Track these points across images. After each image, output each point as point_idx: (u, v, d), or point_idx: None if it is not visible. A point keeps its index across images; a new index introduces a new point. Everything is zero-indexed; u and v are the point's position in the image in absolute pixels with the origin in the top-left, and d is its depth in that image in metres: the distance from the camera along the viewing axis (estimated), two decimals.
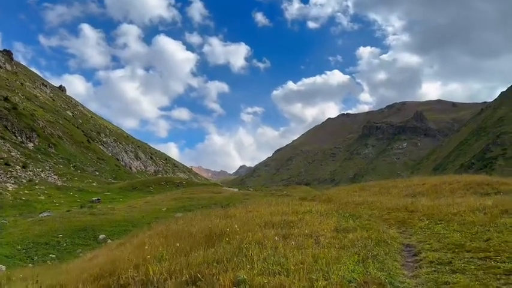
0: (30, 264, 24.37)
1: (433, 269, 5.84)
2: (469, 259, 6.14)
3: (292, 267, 5.61)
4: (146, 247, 7.23)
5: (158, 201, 45.24)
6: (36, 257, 25.73)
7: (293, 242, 7.10)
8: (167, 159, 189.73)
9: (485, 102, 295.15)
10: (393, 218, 10.70)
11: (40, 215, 36.52)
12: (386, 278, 5.39)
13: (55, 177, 72.26)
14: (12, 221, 34.60)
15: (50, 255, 25.93)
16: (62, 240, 28.41)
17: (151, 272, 5.70)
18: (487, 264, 5.81)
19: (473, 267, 5.72)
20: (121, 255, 7.57)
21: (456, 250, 6.65)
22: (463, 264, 5.90)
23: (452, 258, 6.24)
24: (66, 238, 28.81)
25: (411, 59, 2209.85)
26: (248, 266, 5.76)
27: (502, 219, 8.43)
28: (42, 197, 53.53)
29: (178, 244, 6.94)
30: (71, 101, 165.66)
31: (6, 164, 64.58)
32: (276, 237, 7.52)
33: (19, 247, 26.88)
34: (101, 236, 29.40)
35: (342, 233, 8.18)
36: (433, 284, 5.18)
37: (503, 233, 7.33)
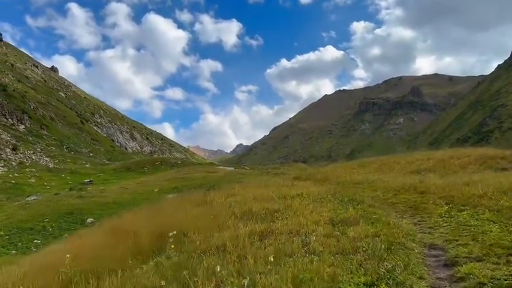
0: (13, 251, 23.26)
1: None
2: None
3: None
4: (67, 258, 5.00)
5: (151, 182, 43.98)
6: (20, 244, 24.49)
7: (270, 247, 5.08)
8: (163, 139, 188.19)
9: (482, 75, 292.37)
10: (402, 201, 8.75)
11: (27, 199, 35.21)
12: None
13: (47, 159, 70.76)
14: None
15: (35, 241, 24.72)
16: (47, 225, 27.14)
17: None
18: None
19: None
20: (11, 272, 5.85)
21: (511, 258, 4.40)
22: None
23: None
24: (52, 223, 27.54)
25: (405, 33, 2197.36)
26: None
27: None
28: (33, 180, 52.18)
29: (107, 253, 5.10)
30: (64, 82, 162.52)
31: None
32: (249, 238, 5.53)
33: (2, 233, 25.60)
34: (89, 220, 28.13)
35: (339, 226, 6.17)
36: None
37: None
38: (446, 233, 6.00)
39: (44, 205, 31.02)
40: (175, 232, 5.02)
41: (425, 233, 6.25)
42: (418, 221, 7.13)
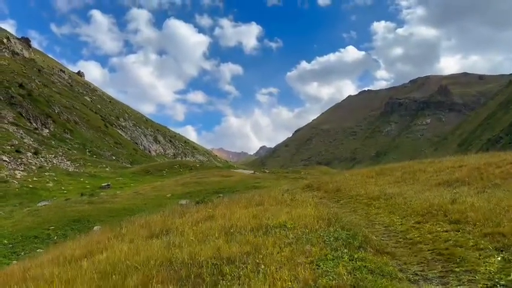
0: (14, 261, 22.29)
1: None
2: None
3: None
4: None
5: (166, 187, 42.94)
6: (23, 253, 23.62)
7: None
8: (186, 142, 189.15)
9: None
10: (427, 239, 6.03)
11: (38, 205, 34.56)
12: None
13: (67, 163, 70.99)
14: (9, 212, 32.74)
15: (38, 250, 23.73)
16: (52, 233, 26.19)
17: None
18: None
19: None
20: None
21: None
22: None
23: None
24: (57, 230, 26.59)
25: (428, 32, 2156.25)
26: None
27: None
28: (51, 184, 51.95)
29: None
30: (90, 86, 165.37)
31: (17, 151, 63.48)
32: None
33: (6, 241, 24.80)
34: (96, 227, 27.02)
35: None
36: None
37: None
38: None
39: (53, 212, 30.18)
40: None
41: None
42: None
